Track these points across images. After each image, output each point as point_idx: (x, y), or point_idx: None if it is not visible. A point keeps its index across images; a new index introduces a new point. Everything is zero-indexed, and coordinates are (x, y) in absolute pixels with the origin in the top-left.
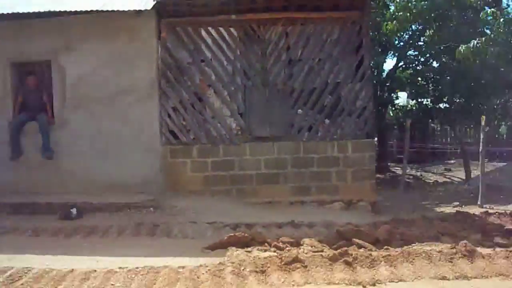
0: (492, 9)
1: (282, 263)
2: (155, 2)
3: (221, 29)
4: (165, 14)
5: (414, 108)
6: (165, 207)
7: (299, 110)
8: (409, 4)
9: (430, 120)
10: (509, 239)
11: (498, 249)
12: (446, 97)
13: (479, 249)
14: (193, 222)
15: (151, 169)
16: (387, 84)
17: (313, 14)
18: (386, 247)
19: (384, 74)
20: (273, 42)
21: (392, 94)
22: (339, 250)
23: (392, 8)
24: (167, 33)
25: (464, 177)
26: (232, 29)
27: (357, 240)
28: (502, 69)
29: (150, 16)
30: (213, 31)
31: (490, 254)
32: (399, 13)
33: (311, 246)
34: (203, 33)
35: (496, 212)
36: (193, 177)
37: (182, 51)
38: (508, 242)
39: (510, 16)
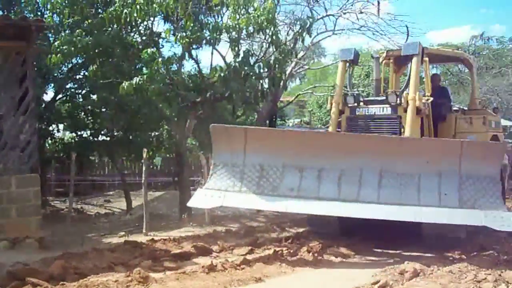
0: (152, 50)
1: None
2: None
3: None
4: None
5: (73, 141)
6: None
7: None
8: (74, 39)
9: (89, 153)
10: (177, 262)
11: (168, 272)
12: (106, 130)
13: (151, 275)
14: None
15: None
16: (46, 117)
17: None
18: (62, 282)
19: (43, 106)
20: None
21: (52, 127)
22: None
23: (53, 41)
24: None
25: (125, 207)
26: None
27: (31, 279)
28: (160, 105)
29: None
30: None
31: (162, 278)
32: (64, 47)
33: None
34: None
35: (161, 239)
36: None
37: None
38: (176, 265)
39: (166, 57)
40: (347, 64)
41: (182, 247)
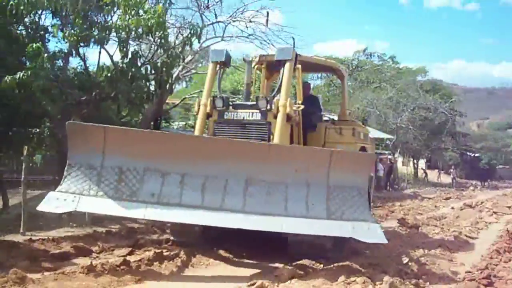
0: (37, 44)
1: None
2: None
3: None
4: None
5: None
6: None
7: None
8: None
9: None
10: (56, 263)
11: (46, 273)
12: None
13: (29, 275)
14: None
15: None
16: None
17: None
18: None
19: None
20: None
21: None
22: None
23: None
24: None
25: (1, 206)
26: None
27: None
28: (44, 102)
29: None
30: None
31: (40, 278)
32: None
33: None
34: None
35: (40, 239)
36: None
37: None
38: (55, 266)
39: (51, 53)
40: (218, 65)
41: (61, 247)
